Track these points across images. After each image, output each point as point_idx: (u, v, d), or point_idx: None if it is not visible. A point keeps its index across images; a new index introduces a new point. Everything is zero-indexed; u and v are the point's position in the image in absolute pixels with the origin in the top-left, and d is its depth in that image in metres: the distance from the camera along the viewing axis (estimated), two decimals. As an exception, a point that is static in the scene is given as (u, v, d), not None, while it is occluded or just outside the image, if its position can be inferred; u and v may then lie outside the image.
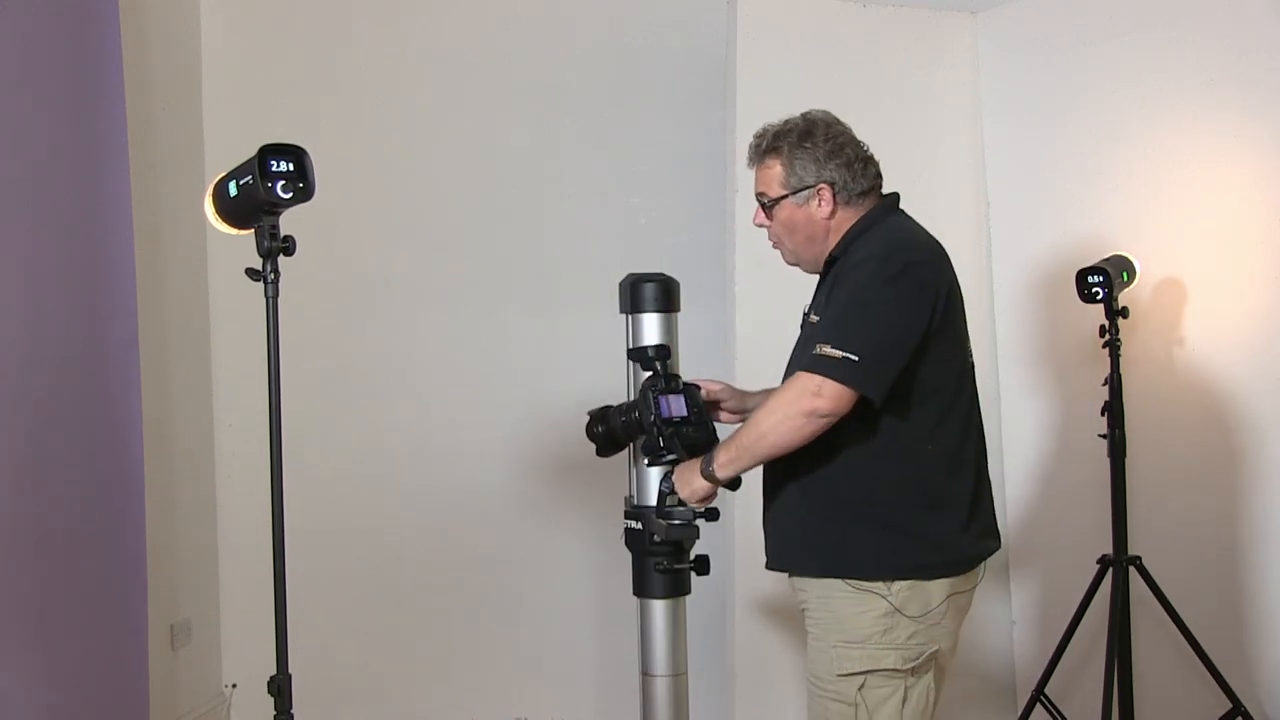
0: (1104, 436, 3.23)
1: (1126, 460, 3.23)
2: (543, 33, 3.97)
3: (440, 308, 3.93)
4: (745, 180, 3.47)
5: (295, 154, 1.98)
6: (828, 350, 2.10)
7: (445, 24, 3.94)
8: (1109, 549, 3.25)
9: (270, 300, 2.05)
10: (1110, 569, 3.24)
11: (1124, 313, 3.23)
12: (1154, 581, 3.20)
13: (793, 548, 2.32)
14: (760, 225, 2.39)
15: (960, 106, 3.77)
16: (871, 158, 2.35)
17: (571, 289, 3.94)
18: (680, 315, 2.38)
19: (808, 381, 2.11)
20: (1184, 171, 3.36)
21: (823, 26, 3.63)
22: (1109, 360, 3.23)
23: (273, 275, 2.04)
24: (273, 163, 1.96)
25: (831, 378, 2.09)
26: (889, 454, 2.20)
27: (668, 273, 2.38)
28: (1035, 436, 3.66)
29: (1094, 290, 3.21)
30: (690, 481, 2.26)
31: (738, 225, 3.51)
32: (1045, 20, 3.67)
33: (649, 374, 2.29)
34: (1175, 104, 3.37)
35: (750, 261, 3.50)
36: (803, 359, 2.16)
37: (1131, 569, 3.22)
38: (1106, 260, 3.26)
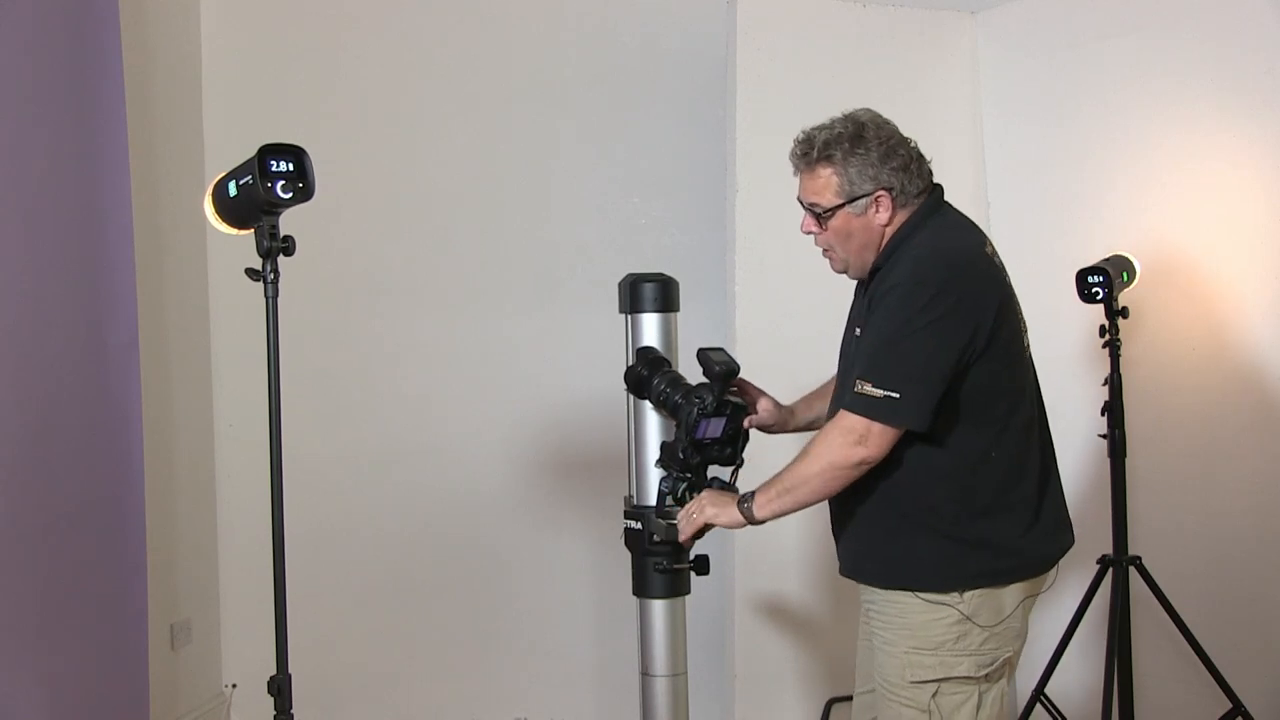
0: (1104, 436, 3.23)
1: (1126, 460, 3.22)
2: (542, 33, 3.97)
3: (440, 308, 3.93)
4: (745, 180, 3.51)
5: (295, 154, 1.98)
6: (869, 389, 2.08)
7: (445, 24, 3.94)
8: (1109, 549, 3.25)
9: (270, 300, 2.05)
10: (1110, 569, 3.24)
11: (1124, 313, 3.22)
12: (1154, 581, 3.19)
13: (861, 558, 2.29)
14: (808, 233, 2.29)
15: (960, 106, 3.77)
16: (922, 154, 2.27)
17: (571, 289, 3.95)
18: (680, 315, 2.38)
19: (853, 424, 2.09)
20: (1184, 171, 3.36)
21: (823, 26, 3.63)
22: (1109, 360, 3.23)
23: (273, 275, 2.04)
24: (272, 163, 1.95)
25: (877, 419, 2.08)
26: (952, 465, 2.16)
27: (668, 273, 2.38)
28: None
29: (1094, 290, 3.21)
30: (727, 509, 2.22)
31: (738, 225, 3.51)
32: (1045, 20, 3.67)
33: (703, 384, 2.23)
34: (1175, 103, 3.37)
35: (750, 261, 3.50)
36: (843, 394, 2.15)
37: (1131, 569, 3.22)
38: (1106, 260, 3.26)
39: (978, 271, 2.19)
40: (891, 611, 2.23)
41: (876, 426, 2.08)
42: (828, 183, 2.22)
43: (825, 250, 2.31)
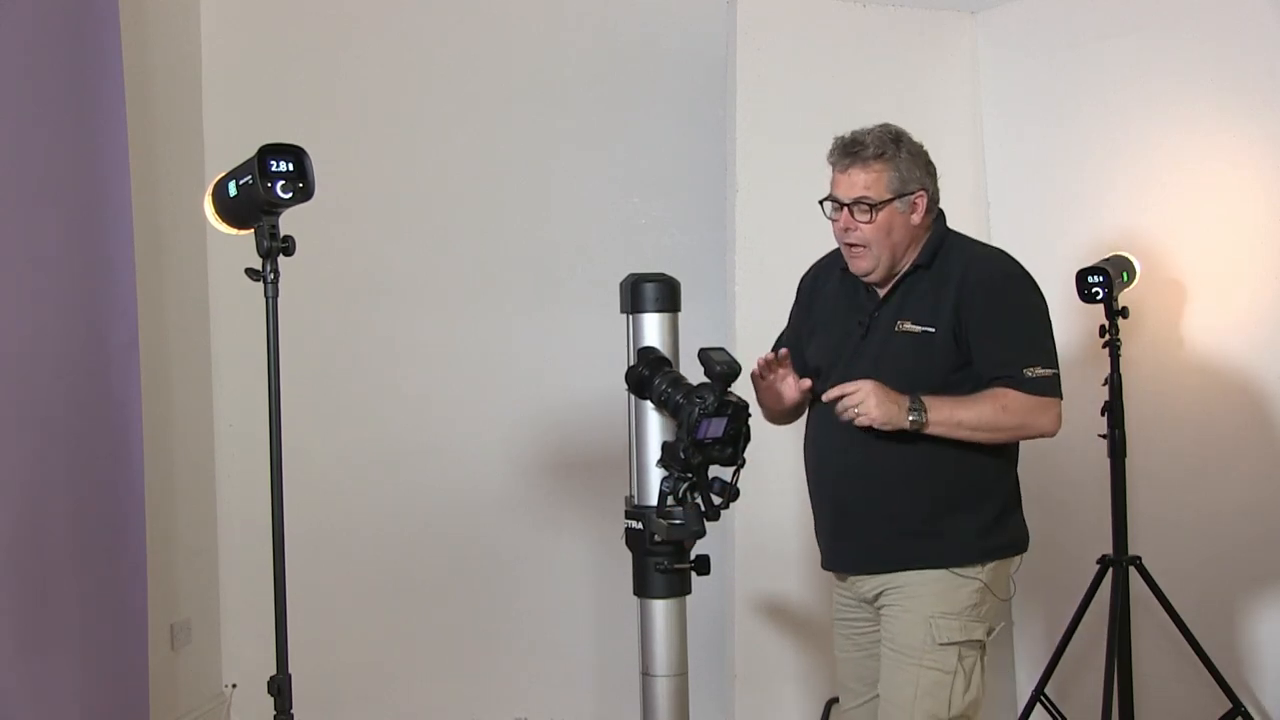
0: (1104, 436, 3.23)
1: (1126, 460, 3.23)
2: (542, 33, 3.97)
3: (440, 308, 3.93)
4: (745, 180, 3.50)
5: (295, 154, 1.98)
6: (1041, 372, 2.32)
7: (445, 25, 3.94)
8: (1109, 549, 3.25)
9: (270, 300, 2.05)
10: (1110, 569, 3.24)
11: (1124, 313, 3.23)
12: (1154, 581, 3.19)
13: (889, 546, 2.40)
14: (847, 228, 2.40)
15: (960, 106, 3.77)
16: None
17: (572, 289, 3.94)
18: (680, 315, 2.38)
19: (1051, 403, 2.33)
20: (1184, 171, 3.36)
21: (823, 26, 3.63)
22: (1109, 360, 3.23)
23: (273, 275, 2.04)
24: (272, 163, 1.95)
25: (1058, 396, 2.34)
26: (1003, 452, 2.40)
27: (668, 273, 2.38)
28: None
29: (1094, 290, 3.21)
30: (890, 409, 2.27)
31: (738, 225, 3.51)
32: (1045, 20, 3.67)
33: (705, 384, 2.25)
34: (1175, 104, 3.37)
35: (750, 261, 3.50)
36: (1012, 378, 2.30)
37: (1131, 569, 3.22)
38: (1106, 260, 3.26)
39: None
40: (915, 581, 2.37)
41: (1060, 403, 2.33)
42: (880, 177, 2.36)
43: (855, 247, 2.40)
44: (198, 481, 3.77)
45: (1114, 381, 3.22)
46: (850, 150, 2.38)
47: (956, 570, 2.35)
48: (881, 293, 2.44)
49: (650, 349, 2.30)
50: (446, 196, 3.95)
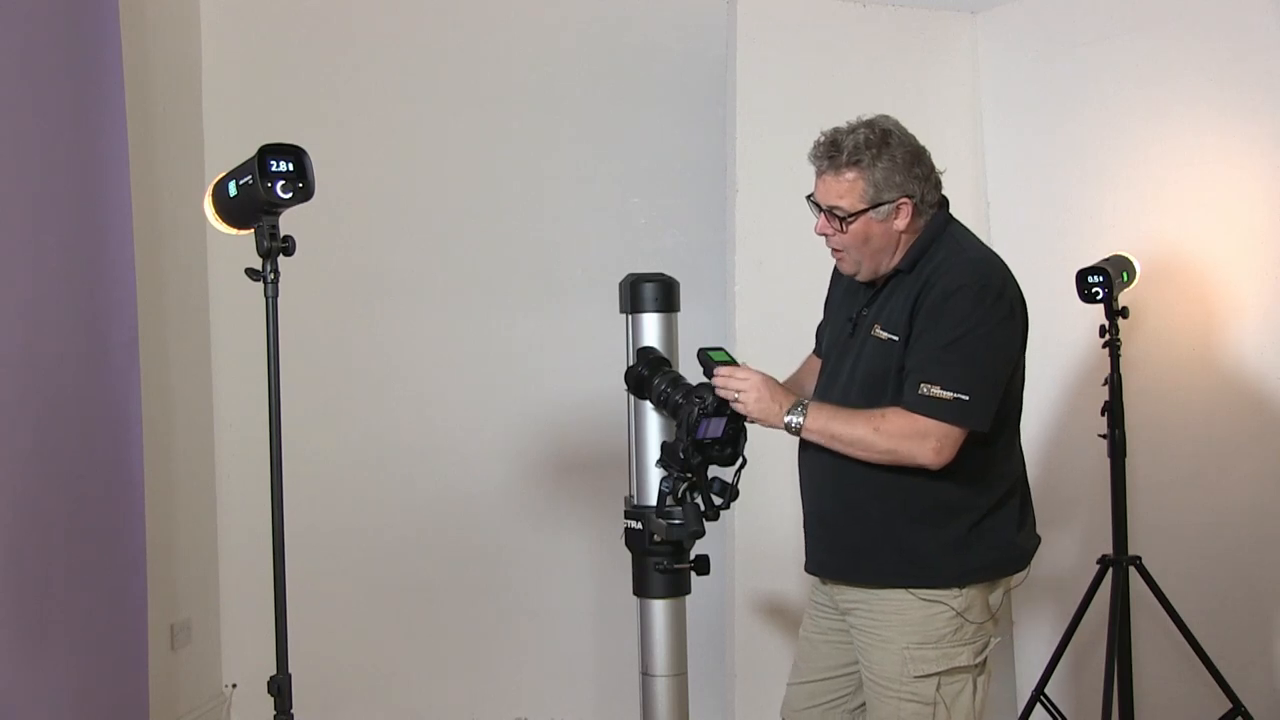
0: (1104, 436, 3.23)
1: (1126, 460, 3.22)
2: (542, 32, 3.97)
3: (440, 308, 3.93)
4: (745, 180, 3.50)
5: (295, 154, 1.98)
6: (937, 392, 2.11)
7: (445, 24, 3.94)
8: (1109, 549, 3.25)
9: (270, 300, 2.05)
10: (1110, 569, 3.24)
11: (1124, 313, 3.22)
12: (1154, 581, 3.19)
13: (856, 557, 2.32)
14: (823, 234, 2.31)
15: (960, 106, 3.77)
16: (935, 166, 2.30)
17: (571, 289, 3.95)
18: (680, 315, 2.38)
19: (927, 428, 2.12)
20: (1184, 171, 3.36)
21: (823, 26, 3.63)
22: (1109, 360, 3.23)
23: (272, 275, 2.04)
24: (272, 163, 1.95)
25: (948, 421, 2.12)
26: (971, 466, 2.20)
27: (668, 273, 2.38)
28: (1035, 436, 3.65)
29: (1094, 290, 3.20)
30: (769, 408, 2.20)
31: (738, 225, 3.51)
32: (1045, 20, 3.67)
33: (704, 384, 2.23)
34: (1175, 104, 3.37)
35: (750, 261, 3.50)
36: (905, 394, 2.15)
37: (1131, 569, 3.22)
38: (1106, 260, 3.26)
39: (1016, 280, 2.27)
40: (886, 609, 2.27)
41: (952, 431, 2.12)
42: (853, 187, 2.22)
43: (836, 251, 2.33)
44: (198, 481, 3.77)
45: (1114, 381, 3.22)
46: (826, 154, 2.24)
47: (926, 595, 2.23)
48: (874, 290, 2.36)
49: (649, 349, 2.31)
50: (446, 196, 3.95)
